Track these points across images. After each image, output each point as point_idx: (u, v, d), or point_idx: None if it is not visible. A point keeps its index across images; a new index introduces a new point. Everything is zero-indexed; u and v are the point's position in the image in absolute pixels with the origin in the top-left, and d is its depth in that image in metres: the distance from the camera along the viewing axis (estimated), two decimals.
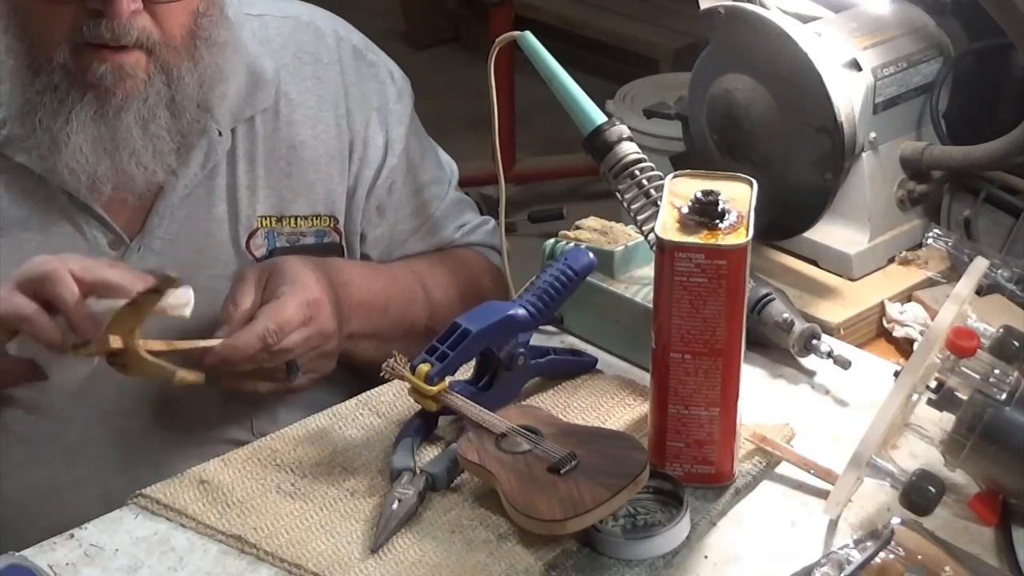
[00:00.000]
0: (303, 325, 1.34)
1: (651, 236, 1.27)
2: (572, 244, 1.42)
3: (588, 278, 1.35)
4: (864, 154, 1.52)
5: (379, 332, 1.47)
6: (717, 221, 1.15)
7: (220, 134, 1.42)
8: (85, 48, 1.30)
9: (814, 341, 1.36)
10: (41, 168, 1.35)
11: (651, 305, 1.19)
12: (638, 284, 1.40)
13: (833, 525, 1.18)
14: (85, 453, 1.42)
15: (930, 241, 1.50)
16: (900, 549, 1.08)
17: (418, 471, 1.21)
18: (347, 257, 1.53)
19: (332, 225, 1.50)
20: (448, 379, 1.26)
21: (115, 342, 1.21)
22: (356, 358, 1.47)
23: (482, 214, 1.71)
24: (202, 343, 1.30)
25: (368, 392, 1.37)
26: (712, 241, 1.13)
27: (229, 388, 1.38)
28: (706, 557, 1.16)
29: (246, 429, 1.47)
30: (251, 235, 1.46)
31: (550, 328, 1.46)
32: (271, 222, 1.47)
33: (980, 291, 1.38)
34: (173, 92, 1.35)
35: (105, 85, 1.31)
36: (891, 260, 1.56)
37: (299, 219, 1.48)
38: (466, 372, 1.33)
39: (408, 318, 1.50)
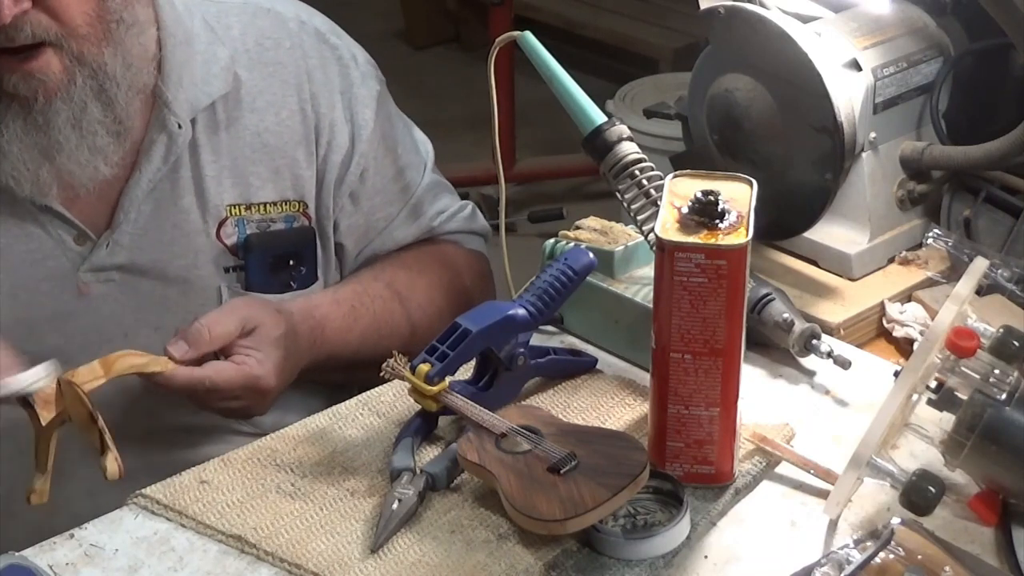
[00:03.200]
0: (236, 399, 1.36)
1: (651, 236, 1.27)
2: (572, 244, 1.41)
3: (588, 278, 1.35)
4: (864, 154, 1.52)
5: (345, 366, 1.48)
6: (717, 221, 1.15)
7: (180, 127, 1.42)
8: None
9: (814, 341, 1.36)
10: None
11: (651, 305, 1.19)
12: (638, 284, 1.40)
13: (833, 525, 1.18)
14: (71, 446, 1.42)
15: (930, 241, 1.50)
16: (900, 549, 1.08)
17: (418, 471, 1.21)
18: (321, 244, 1.52)
19: (302, 210, 1.50)
20: (448, 379, 1.26)
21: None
22: (320, 379, 1.48)
23: (482, 213, 1.70)
24: (148, 368, 1.30)
25: (368, 392, 1.37)
26: (712, 241, 1.13)
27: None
28: (706, 557, 1.16)
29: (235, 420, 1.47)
30: (221, 224, 1.46)
31: (550, 328, 1.46)
32: (240, 210, 1.47)
33: (980, 291, 1.38)
34: (100, 83, 1.33)
35: (22, 94, 1.30)
36: (891, 260, 1.56)
37: (268, 205, 1.48)
38: (466, 372, 1.33)
39: (382, 350, 1.49)
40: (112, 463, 1.23)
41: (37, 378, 1.24)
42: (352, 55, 1.55)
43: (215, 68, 1.44)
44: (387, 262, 1.59)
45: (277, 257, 1.49)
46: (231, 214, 1.46)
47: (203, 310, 1.42)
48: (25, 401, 1.24)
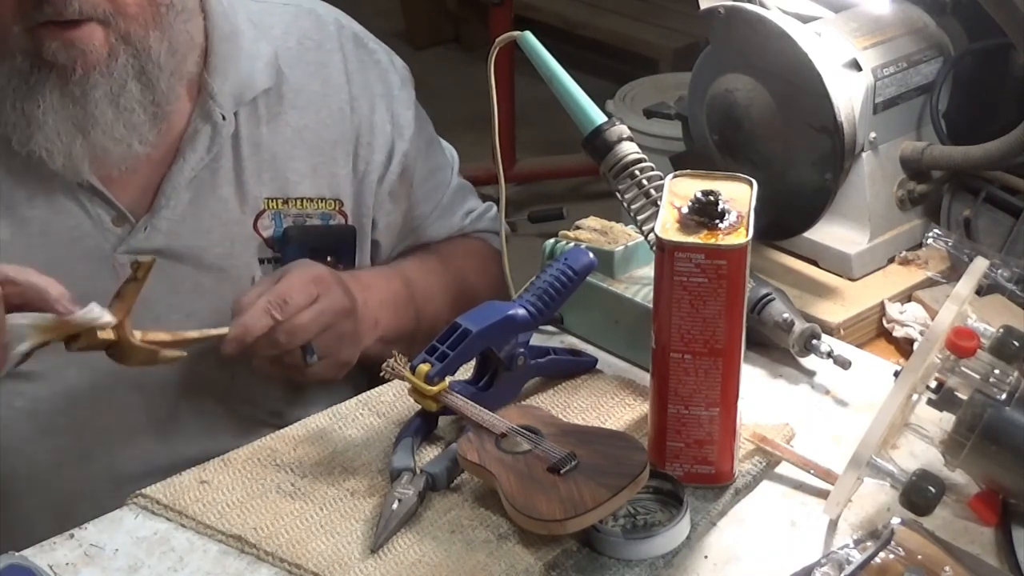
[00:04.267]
0: (313, 302, 1.36)
1: (651, 236, 1.27)
2: (572, 244, 1.41)
3: (588, 278, 1.35)
4: (864, 154, 1.52)
5: (407, 332, 1.50)
6: (717, 221, 1.15)
7: (224, 118, 1.43)
8: (38, 28, 1.29)
9: (814, 341, 1.36)
10: (25, 151, 1.35)
11: (651, 305, 1.19)
12: (638, 284, 1.40)
13: (833, 525, 1.18)
14: (92, 426, 1.42)
15: (930, 241, 1.50)
16: (900, 549, 1.08)
17: (418, 471, 1.21)
18: (358, 241, 1.54)
19: (337, 208, 1.52)
20: (448, 379, 1.26)
21: (106, 335, 1.23)
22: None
23: None
24: (211, 331, 1.33)
25: (368, 392, 1.37)
26: (712, 241, 1.13)
27: (257, 369, 1.40)
28: (706, 557, 1.16)
29: (256, 407, 1.48)
30: (258, 216, 1.48)
31: (550, 328, 1.46)
32: (277, 204, 1.48)
33: (980, 291, 1.38)
34: (142, 63, 1.34)
35: (60, 62, 1.31)
36: (891, 260, 1.56)
37: (304, 201, 1.50)
38: (466, 372, 1.33)
39: (430, 315, 1.52)
40: (171, 352, 1.28)
41: (100, 316, 1.24)
42: (390, 60, 1.58)
43: (259, 63, 1.46)
44: (431, 254, 1.63)
45: (314, 251, 1.50)
46: (268, 207, 1.48)
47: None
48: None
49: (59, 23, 1.29)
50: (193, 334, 1.33)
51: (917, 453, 1.25)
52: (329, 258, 1.51)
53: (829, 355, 1.35)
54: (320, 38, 1.53)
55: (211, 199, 1.45)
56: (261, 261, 1.48)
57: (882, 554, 1.07)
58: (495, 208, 1.71)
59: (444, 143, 1.69)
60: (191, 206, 1.44)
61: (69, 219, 1.40)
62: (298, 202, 1.49)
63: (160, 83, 1.36)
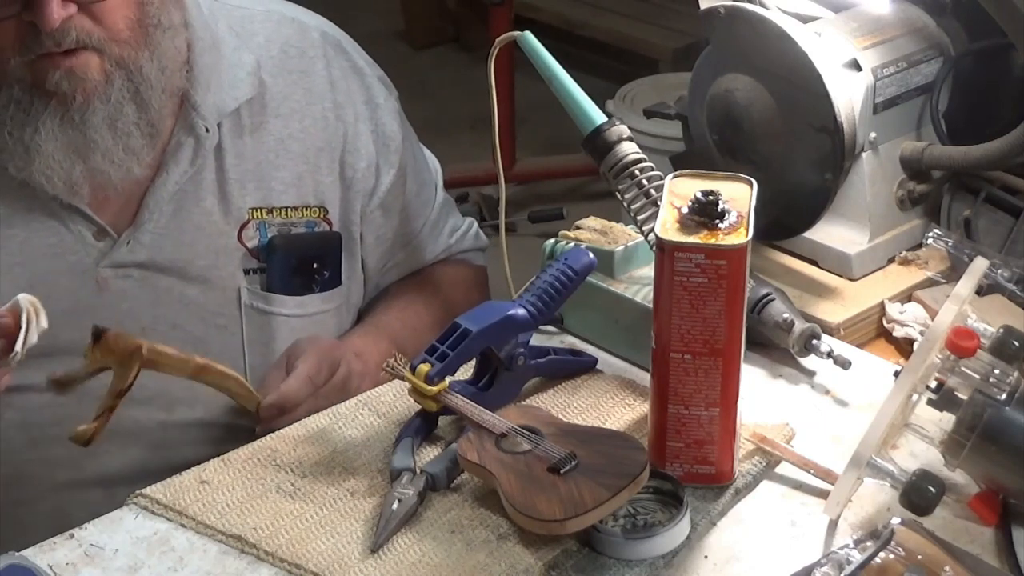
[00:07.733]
0: (333, 373, 1.41)
1: (651, 236, 1.27)
2: (572, 244, 1.42)
3: (588, 278, 1.35)
4: (864, 154, 1.52)
5: None
6: (717, 221, 1.15)
7: (207, 130, 1.43)
8: (37, 59, 1.31)
9: (814, 341, 1.36)
10: (19, 177, 1.36)
11: (651, 305, 1.19)
12: (638, 284, 1.40)
13: (833, 525, 1.18)
14: (71, 447, 1.42)
15: (930, 241, 1.50)
16: (900, 549, 1.08)
17: (418, 471, 1.21)
18: (345, 249, 1.54)
19: (322, 216, 1.52)
20: (448, 379, 1.26)
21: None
22: None
23: (482, 214, 1.73)
24: (243, 399, 1.39)
25: (368, 392, 1.37)
26: (712, 241, 1.13)
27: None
28: (706, 557, 1.16)
29: (249, 417, 1.48)
30: (243, 227, 1.47)
31: (550, 328, 1.46)
32: (261, 213, 1.48)
33: (980, 291, 1.38)
34: (136, 85, 1.35)
35: (63, 91, 1.32)
36: (891, 260, 1.56)
37: (289, 210, 1.50)
38: (466, 372, 1.33)
39: None
40: (87, 431, 1.26)
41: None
42: (372, 71, 1.58)
43: (241, 73, 1.46)
44: (415, 294, 1.63)
45: (301, 259, 1.50)
46: (253, 217, 1.48)
47: (222, 310, 1.45)
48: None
49: (56, 53, 1.30)
50: (227, 369, 1.36)
51: (917, 453, 1.25)
52: (315, 265, 1.51)
53: (829, 355, 1.35)
54: (303, 46, 1.52)
55: (195, 211, 1.44)
56: (246, 272, 1.48)
57: (882, 554, 1.07)
58: (476, 224, 1.72)
59: (428, 155, 1.69)
60: (174, 219, 1.44)
61: (50, 236, 1.40)
62: (282, 211, 1.49)
63: (153, 102, 1.37)
